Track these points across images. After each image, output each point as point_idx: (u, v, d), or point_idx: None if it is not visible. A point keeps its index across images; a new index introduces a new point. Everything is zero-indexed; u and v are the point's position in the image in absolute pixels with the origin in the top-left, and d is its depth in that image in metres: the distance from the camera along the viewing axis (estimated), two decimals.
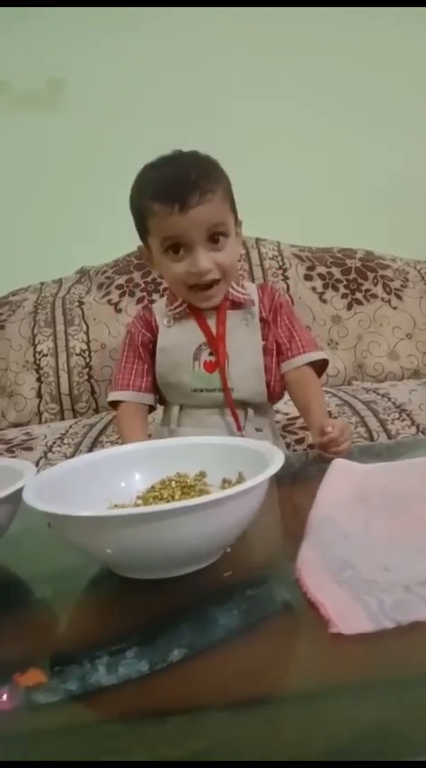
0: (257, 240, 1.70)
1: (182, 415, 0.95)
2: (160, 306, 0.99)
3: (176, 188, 0.82)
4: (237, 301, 0.94)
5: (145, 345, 0.97)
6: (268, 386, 0.94)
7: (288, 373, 0.95)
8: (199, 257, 0.84)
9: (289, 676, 0.38)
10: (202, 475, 0.61)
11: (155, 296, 1.51)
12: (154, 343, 0.96)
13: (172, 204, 0.82)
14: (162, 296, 1.28)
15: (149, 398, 0.96)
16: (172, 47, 1.89)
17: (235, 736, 0.33)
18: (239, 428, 0.92)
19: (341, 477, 0.67)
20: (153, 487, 0.59)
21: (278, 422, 1.10)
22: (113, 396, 0.97)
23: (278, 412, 1.14)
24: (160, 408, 1.02)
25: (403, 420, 1.13)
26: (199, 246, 0.84)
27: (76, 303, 1.60)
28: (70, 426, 1.29)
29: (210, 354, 0.92)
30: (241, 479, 0.57)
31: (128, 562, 0.49)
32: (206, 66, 1.90)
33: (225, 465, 0.59)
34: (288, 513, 0.67)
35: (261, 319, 0.95)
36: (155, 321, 0.96)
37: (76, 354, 1.52)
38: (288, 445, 1.09)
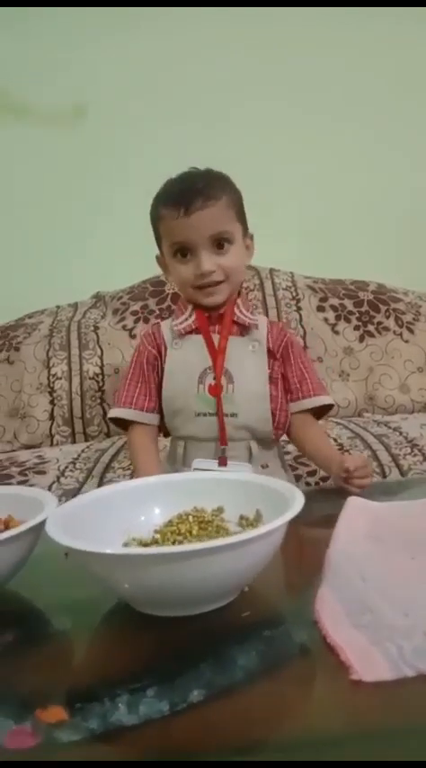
0: (271, 270, 1.73)
1: (186, 452, 0.94)
2: (168, 323, 1.00)
3: (182, 193, 0.89)
4: (242, 324, 0.95)
5: (150, 363, 0.97)
6: (272, 415, 0.93)
7: (294, 415, 0.96)
8: (202, 259, 0.89)
9: (309, 721, 0.38)
10: (220, 510, 0.62)
11: None
12: (159, 360, 0.97)
13: (177, 208, 0.88)
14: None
15: (153, 419, 0.96)
16: (173, 50, 1.91)
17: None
18: (224, 461, 0.90)
19: (357, 515, 0.67)
20: (170, 522, 0.60)
21: (288, 453, 1.11)
22: (115, 412, 0.97)
23: (289, 442, 1.14)
24: (164, 443, 1.02)
25: (415, 455, 1.13)
26: (202, 249, 0.89)
27: (91, 328, 1.62)
28: (82, 451, 1.30)
29: (215, 378, 0.92)
30: (258, 517, 0.58)
31: (146, 599, 0.49)
32: (210, 72, 1.91)
33: (242, 501, 0.60)
34: (305, 551, 0.67)
35: (268, 350, 0.96)
36: (163, 339, 0.97)
37: (90, 378, 1.53)
38: (298, 477, 1.09)
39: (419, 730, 0.35)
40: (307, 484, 1.08)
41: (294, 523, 0.70)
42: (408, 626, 0.43)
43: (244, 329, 0.95)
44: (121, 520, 0.60)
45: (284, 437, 1.00)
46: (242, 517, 0.60)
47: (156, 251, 0.98)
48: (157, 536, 0.59)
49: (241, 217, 0.94)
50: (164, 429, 0.98)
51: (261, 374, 0.94)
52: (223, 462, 0.90)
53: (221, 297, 0.93)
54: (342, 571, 0.53)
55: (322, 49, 1.96)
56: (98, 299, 1.78)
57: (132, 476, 1.03)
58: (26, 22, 1.89)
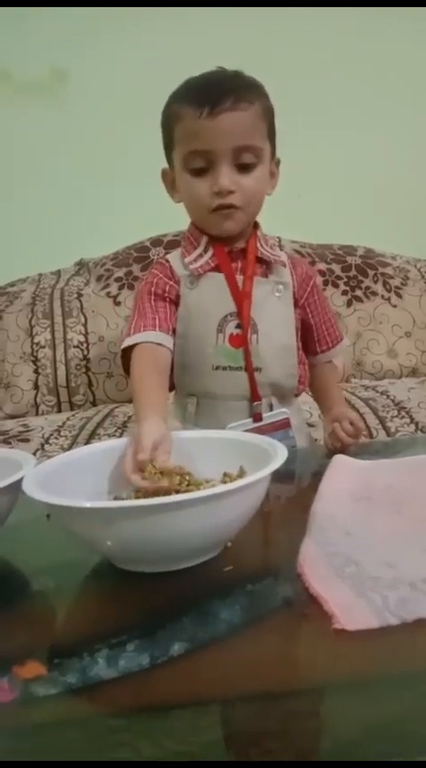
0: None
1: (199, 410, 0.83)
2: (175, 259, 0.85)
3: (209, 88, 0.75)
4: (267, 261, 0.84)
5: (171, 296, 0.82)
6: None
7: (319, 364, 0.91)
8: (221, 174, 0.75)
9: (293, 671, 0.38)
10: (204, 466, 0.60)
11: None
12: (179, 297, 0.82)
13: (201, 106, 0.73)
14: None
15: (167, 340, 0.79)
16: (174, 41, 1.88)
17: (237, 731, 0.33)
18: (259, 417, 0.83)
19: (343, 473, 0.66)
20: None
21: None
22: (131, 340, 0.77)
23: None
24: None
25: (402, 418, 1.13)
26: (224, 162, 0.75)
27: (75, 295, 1.59)
28: (67, 419, 1.28)
29: (237, 327, 0.81)
30: (242, 473, 0.57)
31: (128, 555, 0.48)
32: (209, 60, 1.88)
33: (227, 458, 0.59)
34: (291, 508, 0.67)
35: (294, 293, 0.86)
36: (177, 275, 0.83)
37: (74, 347, 1.51)
38: None
39: (401, 677, 0.35)
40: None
41: (281, 480, 0.70)
42: (393, 578, 0.43)
43: (267, 268, 0.84)
44: (102, 479, 0.58)
45: None
46: (225, 474, 0.59)
47: (162, 166, 0.84)
48: (139, 494, 0.58)
49: (272, 135, 0.81)
50: (171, 383, 0.84)
51: (287, 323, 0.84)
52: (258, 418, 0.83)
53: (235, 225, 0.80)
54: (327, 526, 0.53)
55: (321, 47, 1.92)
56: (81, 266, 1.75)
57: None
58: (30, 13, 1.82)
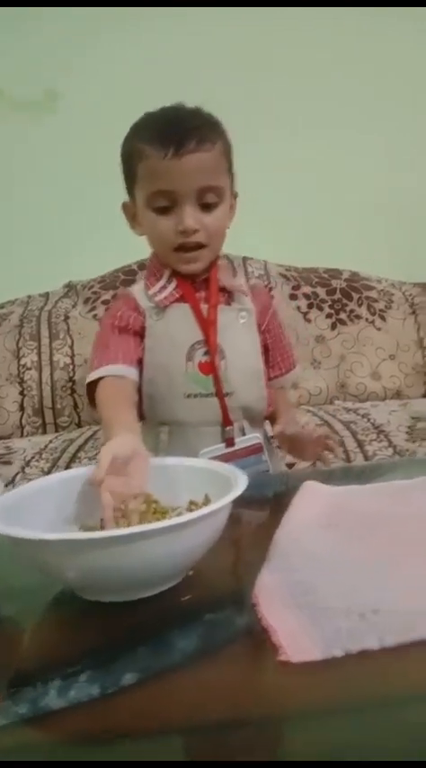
0: (244, 259, 1.72)
1: (171, 438, 0.83)
2: (139, 291, 0.85)
3: (174, 129, 0.75)
4: (229, 290, 0.86)
5: (135, 327, 0.82)
6: None
7: (271, 390, 0.91)
8: (186, 214, 0.76)
9: (233, 702, 0.38)
10: (170, 495, 0.61)
11: None
12: (143, 329, 0.82)
13: (166, 147, 0.74)
14: None
15: (132, 372, 0.80)
16: (165, 55, 1.90)
17: (182, 761, 0.34)
18: (232, 442, 0.83)
19: (311, 499, 0.67)
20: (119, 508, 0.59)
21: None
22: (96, 374, 0.78)
23: None
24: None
25: (381, 441, 1.14)
26: (187, 203, 0.77)
27: (62, 317, 1.61)
28: (50, 441, 1.29)
29: (206, 354, 0.82)
30: (207, 501, 0.58)
31: (89, 585, 0.49)
32: (209, 59, 1.90)
33: (193, 487, 0.60)
34: (260, 534, 0.67)
35: (255, 320, 0.88)
36: (141, 308, 0.83)
37: (60, 368, 1.52)
38: None
39: (340, 710, 0.35)
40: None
41: (253, 506, 0.70)
42: (346, 607, 0.43)
43: (230, 296, 0.86)
44: (70, 508, 0.59)
45: None
46: (191, 502, 0.59)
47: (123, 216, 0.85)
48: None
49: (231, 170, 0.83)
50: (139, 414, 0.84)
51: (253, 348, 0.86)
52: (230, 443, 0.83)
53: (202, 264, 0.82)
54: (289, 553, 0.53)
55: (317, 59, 1.95)
56: (70, 288, 1.77)
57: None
58: (23, 31, 1.87)
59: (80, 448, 1.20)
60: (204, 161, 0.76)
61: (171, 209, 0.78)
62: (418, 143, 1.99)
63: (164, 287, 0.83)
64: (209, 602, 0.49)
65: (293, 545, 0.55)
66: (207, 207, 0.78)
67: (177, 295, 0.83)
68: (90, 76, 1.88)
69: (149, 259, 0.88)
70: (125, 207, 0.85)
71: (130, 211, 0.84)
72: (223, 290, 0.85)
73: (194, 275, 0.84)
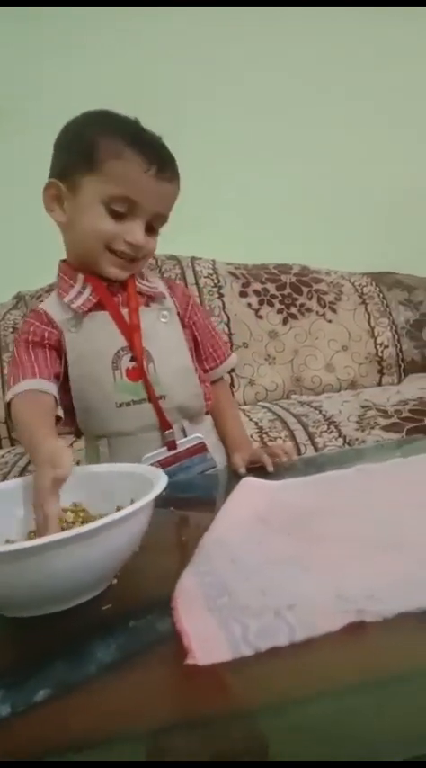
0: (192, 259, 1.72)
1: (112, 449, 0.82)
2: (52, 305, 0.82)
3: (158, 150, 0.78)
4: (148, 294, 0.85)
5: (50, 342, 0.79)
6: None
7: (208, 382, 0.92)
8: (139, 229, 0.78)
9: (143, 711, 0.37)
10: (99, 502, 0.60)
11: None
12: (61, 343, 0.80)
13: (150, 163, 0.76)
14: None
15: (50, 387, 0.77)
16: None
17: None
18: (174, 445, 0.83)
19: (245, 496, 0.67)
20: None
21: None
22: (12, 391, 0.75)
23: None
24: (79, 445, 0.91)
25: (331, 432, 1.14)
26: (143, 219, 0.78)
27: (11, 330, 1.58)
28: (1, 456, 1.26)
29: (132, 360, 0.80)
30: None
31: (3, 602, 0.48)
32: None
33: (121, 492, 0.59)
34: (196, 537, 0.66)
35: (178, 315, 0.88)
36: (55, 321, 0.80)
37: None
38: None
39: (242, 714, 0.35)
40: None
41: (201, 507, 0.69)
42: (261, 605, 0.43)
43: (149, 297, 0.86)
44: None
45: None
46: (118, 508, 0.58)
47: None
48: (33, 535, 0.57)
49: None
50: (76, 429, 0.85)
51: (180, 346, 0.86)
52: (172, 447, 0.82)
53: (127, 275, 0.82)
54: (214, 554, 0.53)
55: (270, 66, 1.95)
56: (19, 299, 1.74)
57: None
58: None
59: (30, 462, 1.18)
60: (171, 193, 0.81)
61: (123, 217, 0.77)
62: (351, 129, 2.02)
63: (79, 293, 0.81)
64: (133, 609, 0.48)
65: (216, 547, 0.55)
66: (151, 230, 0.81)
67: (94, 300, 0.81)
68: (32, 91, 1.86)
69: (59, 267, 0.85)
70: (50, 186, 0.80)
71: (54, 193, 0.80)
72: (140, 292, 0.85)
73: (110, 279, 0.82)
